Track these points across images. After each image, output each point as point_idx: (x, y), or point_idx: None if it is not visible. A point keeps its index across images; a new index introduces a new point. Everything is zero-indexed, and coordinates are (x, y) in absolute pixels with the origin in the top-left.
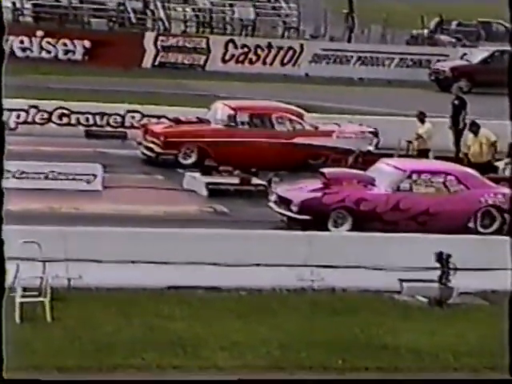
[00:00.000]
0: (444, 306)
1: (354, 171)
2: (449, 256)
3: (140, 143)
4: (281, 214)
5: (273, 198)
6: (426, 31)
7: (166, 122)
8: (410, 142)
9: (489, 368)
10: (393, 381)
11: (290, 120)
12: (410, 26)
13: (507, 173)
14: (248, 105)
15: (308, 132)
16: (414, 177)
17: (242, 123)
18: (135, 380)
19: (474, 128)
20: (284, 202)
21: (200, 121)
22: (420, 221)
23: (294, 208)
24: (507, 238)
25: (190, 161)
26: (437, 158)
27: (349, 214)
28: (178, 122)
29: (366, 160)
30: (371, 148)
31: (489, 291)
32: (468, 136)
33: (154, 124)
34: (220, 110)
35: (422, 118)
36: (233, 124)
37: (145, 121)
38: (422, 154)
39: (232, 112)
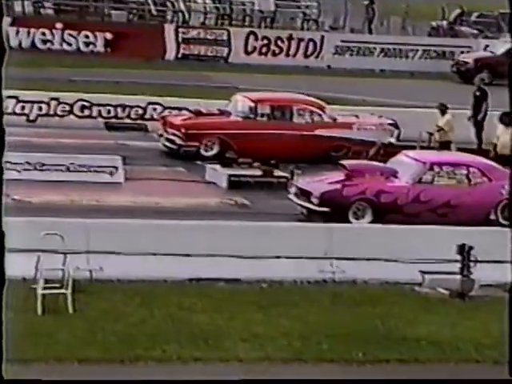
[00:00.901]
0: (465, 298)
1: (375, 163)
2: (470, 248)
3: (161, 135)
4: (301, 206)
5: (293, 190)
6: (445, 23)
7: (185, 113)
8: (431, 133)
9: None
10: (414, 372)
11: (311, 112)
12: (429, 18)
13: None
14: (268, 97)
15: (329, 124)
16: (436, 169)
17: (263, 115)
18: (157, 371)
19: (506, 119)
20: (304, 194)
21: (221, 113)
22: (441, 213)
23: (315, 200)
24: None
25: (211, 153)
26: (459, 149)
27: (369, 206)
28: (198, 113)
29: (388, 152)
30: (392, 140)
31: (510, 283)
32: (499, 126)
33: (173, 116)
34: (240, 102)
35: (443, 109)
36: (253, 116)
37: (166, 113)
38: (444, 145)
39: (252, 104)
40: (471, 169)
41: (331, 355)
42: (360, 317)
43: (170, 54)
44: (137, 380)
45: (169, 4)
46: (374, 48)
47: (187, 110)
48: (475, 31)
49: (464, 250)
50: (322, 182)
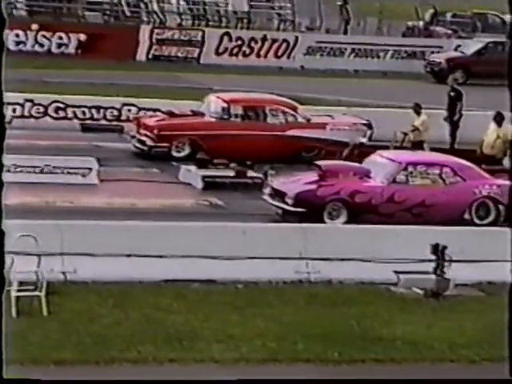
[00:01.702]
0: (440, 298)
1: (350, 163)
2: (444, 248)
3: (133, 136)
4: (276, 206)
5: (267, 190)
6: (421, 23)
7: (159, 115)
8: (405, 133)
9: (485, 359)
10: (389, 372)
11: (284, 112)
12: (405, 18)
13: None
14: (241, 97)
15: (302, 124)
16: (410, 169)
17: (236, 116)
18: (132, 372)
19: (499, 119)
20: (279, 194)
21: (194, 114)
22: (415, 212)
23: (289, 200)
24: (504, 229)
25: (182, 154)
26: (433, 149)
27: (344, 207)
28: (171, 114)
29: (362, 152)
30: (365, 140)
31: (485, 282)
32: (490, 125)
33: (146, 117)
34: (213, 103)
35: (417, 109)
36: (226, 117)
37: (141, 114)
38: (417, 145)
39: (225, 105)
40: (445, 169)
41: (307, 355)
42: (335, 317)
43: (141, 55)
44: (123, 380)
45: (142, 5)
46: (345, 48)
47: (160, 111)
48: (449, 31)
49: (438, 250)
50: (296, 182)
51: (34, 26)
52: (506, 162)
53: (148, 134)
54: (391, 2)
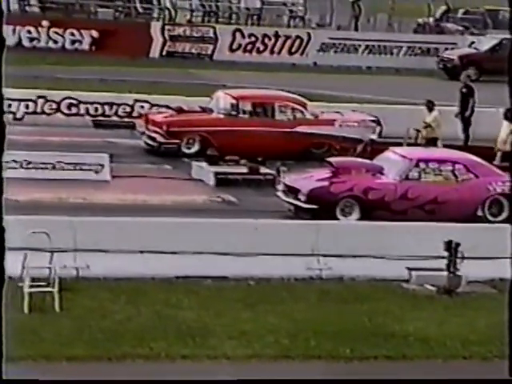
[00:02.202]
0: (453, 295)
1: (362, 160)
2: (457, 245)
3: (143, 133)
4: (289, 203)
5: (280, 187)
6: (431, 19)
7: (167, 111)
8: (418, 130)
9: (497, 356)
10: (401, 369)
11: (293, 109)
12: (416, 15)
13: None
14: (250, 94)
15: (310, 121)
16: (422, 165)
17: (244, 112)
18: (144, 369)
19: (510, 115)
20: (292, 191)
21: (203, 110)
22: (428, 209)
23: (302, 197)
24: None
25: (192, 150)
26: (446, 146)
27: (357, 203)
28: (180, 111)
29: (374, 149)
30: (374, 136)
31: (498, 279)
32: (503, 122)
33: (155, 114)
34: (222, 99)
35: (430, 106)
36: (235, 113)
37: (154, 110)
38: (431, 142)
39: (234, 101)
40: (457, 165)
41: (319, 352)
42: (347, 314)
43: (155, 52)
44: (140, 380)
45: (155, 1)
46: (359, 45)
47: (168, 107)
48: (461, 28)
49: (451, 247)
50: (309, 179)
51: (45, 23)
52: None
53: (158, 130)
54: None
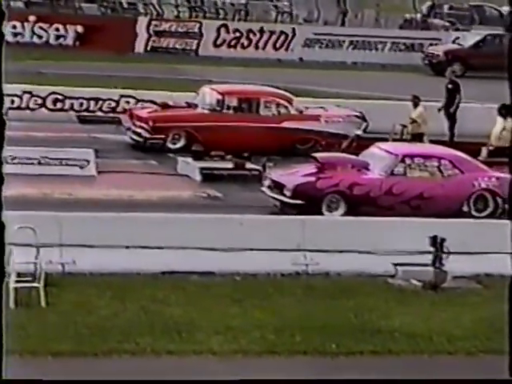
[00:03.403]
0: (438, 290)
1: (348, 156)
2: (443, 240)
3: (129, 128)
4: (274, 198)
5: (266, 182)
6: (419, 15)
7: (152, 106)
8: (404, 126)
9: (483, 351)
10: (387, 364)
11: (278, 104)
12: (403, 11)
13: None
14: (236, 89)
15: (296, 116)
16: (407, 161)
17: (230, 108)
18: (130, 364)
19: (504, 111)
20: (277, 186)
21: (188, 105)
22: (414, 205)
23: (288, 193)
24: (502, 221)
25: (178, 145)
26: (432, 142)
27: (342, 199)
28: (165, 106)
29: (360, 144)
30: (359, 132)
31: (483, 275)
32: (497, 118)
33: (140, 109)
34: (208, 95)
35: (416, 102)
36: (220, 108)
37: (139, 106)
38: (417, 138)
39: (220, 96)
40: (443, 161)
41: (305, 347)
42: (333, 309)
43: (140, 47)
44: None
45: None
46: (344, 40)
47: (154, 102)
48: (447, 23)
49: (436, 242)
50: (295, 174)
51: (32, 18)
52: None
53: (143, 125)
54: None
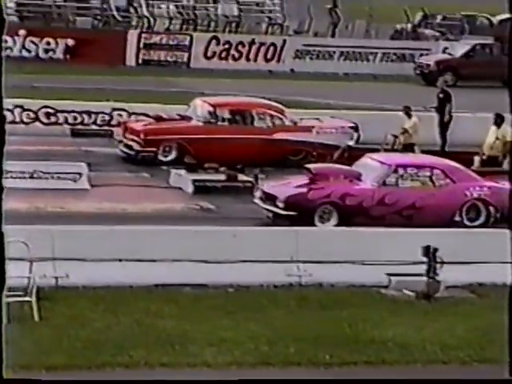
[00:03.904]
0: (431, 300)
1: (340, 166)
2: (436, 250)
3: (120, 141)
4: (267, 210)
5: (258, 194)
6: (410, 25)
7: (145, 119)
8: (396, 136)
9: (477, 361)
10: (381, 374)
11: (271, 116)
12: (394, 21)
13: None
14: (227, 101)
15: (288, 127)
16: (400, 171)
17: (222, 119)
18: (124, 377)
19: (498, 120)
20: (270, 198)
21: (181, 118)
22: (406, 215)
23: (280, 204)
24: (495, 230)
25: (169, 158)
26: (424, 152)
27: (335, 209)
28: (158, 119)
29: (352, 155)
30: (352, 143)
31: (476, 284)
32: (491, 127)
33: (133, 122)
34: (200, 107)
35: (408, 112)
36: (213, 120)
37: (131, 119)
38: (408, 148)
39: (211, 108)
40: (435, 171)
41: (298, 358)
42: (327, 320)
43: (131, 60)
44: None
45: (132, 10)
46: (334, 52)
47: (146, 115)
48: (437, 33)
49: (429, 252)
50: (287, 185)
51: (22, 32)
52: (506, 162)
53: (135, 138)
54: (381, 5)
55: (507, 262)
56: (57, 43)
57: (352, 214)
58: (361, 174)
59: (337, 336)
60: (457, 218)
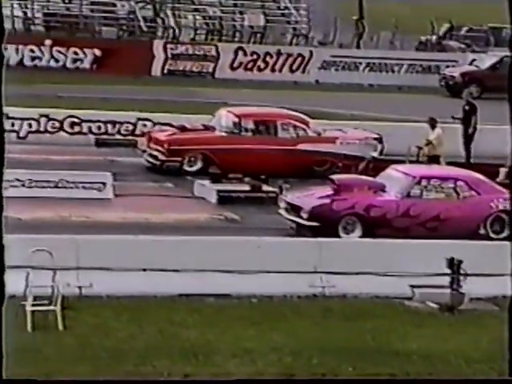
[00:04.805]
0: (455, 312)
1: (364, 177)
2: (460, 262)
3: (144, 151)
4: (291, 220)
5: (283, 204)
6: (434, 37)
7: (170, 129)
8: (420, 148)
9: (501, 373)
10: None
11: (295, 126)
12: (419, 32)
13: None
14: (252, 112)
15: (312, 138)
16: (424, 183)
17: (247, 130)
18: None
19: None
20: (294, 208)
21: (205, 128)
22: (430, 227)
23: (304, 215)
24: None
25: (194, 168)
26: (449, 163)
27: (359, 221)
28: (182, 129)
29: (377, 166)
30: (376, 154)
31: (500, 297)
32: None
33: (157, 132)
34: (224, 117)
35: (433, 123)
36: (237, 131)
37: (156, 129)
38: (433, 159)
39: (236, 119)
40: (459, 182)
41: (322, 370)
42: (350, 331)
43: (157, 70)
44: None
45: (159, 20)
46: (360, 63)
47: (171, 125)
48: (463, 45)
49: (454, 264)
50: (311, 196)
51: (48, 42)
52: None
53: (159, 148)
54: (407, 17)
55: None
56: (84, 53)
57: (376, 226)
58: (385, 186)
59: (360, 348)
60: (481, 231)
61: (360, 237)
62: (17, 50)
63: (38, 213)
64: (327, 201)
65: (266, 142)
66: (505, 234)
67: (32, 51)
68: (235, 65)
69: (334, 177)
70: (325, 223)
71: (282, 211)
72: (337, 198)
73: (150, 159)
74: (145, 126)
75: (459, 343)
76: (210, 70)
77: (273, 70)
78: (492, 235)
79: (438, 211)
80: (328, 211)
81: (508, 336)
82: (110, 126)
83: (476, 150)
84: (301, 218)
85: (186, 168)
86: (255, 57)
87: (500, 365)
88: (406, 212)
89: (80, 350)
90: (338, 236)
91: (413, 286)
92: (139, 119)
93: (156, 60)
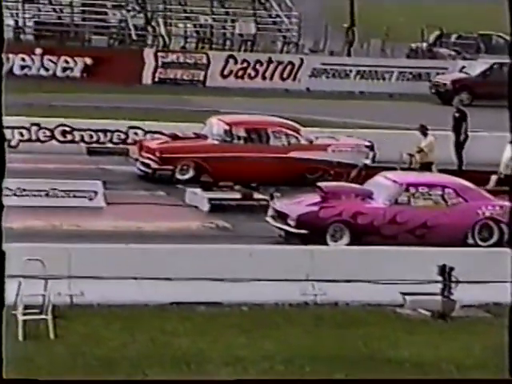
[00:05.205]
0: (447, 319)
1: (352, 185)
2: (451, 269)
3: (136, 159)
4: (278, 228)
5: (270, 212)
6: (425, 44)
7: (162, 137)
8: (411, 155)
9: (493, 381)
10: None
11: (286, 134)
12: (410, 40)
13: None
14: (243, 119)
15: (304, 146)
16: (412, 190)
17: (238, 138)
18: None
19: None
20: (281, 216)
21: (197, 136)
22: (418, 234)
23: (292, 222)
24: (508, 250)
25: (186, 176)
26: (440, 171)
27: (346, 228)
28: (174, 137)
29: (369, 174)
30: (368, 161)
31: (491, 304)
32: (507, 146)
33: (149, 140)
34: (215, 126)
35: (424, 131)
36: (229, 139)
37: (147, 137)
38: (425, 167)
39: (227, 127)
40: (447, 189)
41: (314, 377)
42: (342, 339)
43: (147, 79)
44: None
45: (149, 28)
46: (350, 70)
47: (162, 133)
48: (453, 52)
49: (445, 271)
50: (298, 204)
51: (38, 51)
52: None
53: (151, 156)
54: (397, 24)
55: None
56: (75, 62)
57: (364, 233)
58: (372, 193)
59: (352, 355)
60: (469, 238)
61: (348, 244)
62: (7, 58)
63: (30, 222)
64: (314, 208)
65: (258, 150)
66: (492, 241)
67: (23, 60)
68: (226, 73)
69: (322, 184)
70: (312, 231)
71: (269, 218)
72: (324, 206)
73: (142, 167)
74: (136, 134)
75: (451, 350)
76: (201, 78)
77: (264, 77)
78: (479, 242)
79: (425, 218)
80: (315, 219)
81: (508, 340)
82: (101, 135)
83: (468, 157)
84: (288, 225)
85: (178, 176)
86: (246, 65)
87: (493, 371)
88: (393, 219)
89: (71, 358)
90: (326, 243)
91: (404, 294)
92: (130, 127)
93: (146, 68)
